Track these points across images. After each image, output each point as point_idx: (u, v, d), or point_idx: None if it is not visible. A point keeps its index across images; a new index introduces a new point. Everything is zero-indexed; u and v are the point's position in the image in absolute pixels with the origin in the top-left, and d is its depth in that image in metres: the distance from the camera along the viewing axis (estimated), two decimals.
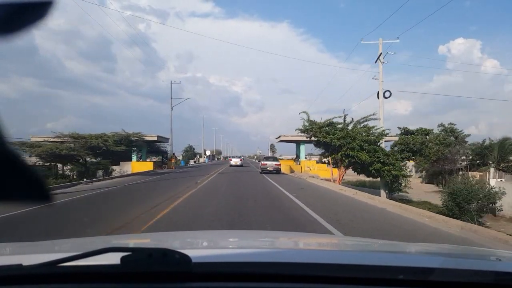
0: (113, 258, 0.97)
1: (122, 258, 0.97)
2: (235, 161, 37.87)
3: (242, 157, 45.99)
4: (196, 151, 79.22)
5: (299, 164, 33.16)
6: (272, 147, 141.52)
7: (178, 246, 1.70)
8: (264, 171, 24.50)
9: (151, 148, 36.04)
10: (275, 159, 27.66)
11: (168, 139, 34.36)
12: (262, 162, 25.90)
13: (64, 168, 19.53)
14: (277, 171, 24.93)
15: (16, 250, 1.66)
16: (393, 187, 15.51)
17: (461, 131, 31.60)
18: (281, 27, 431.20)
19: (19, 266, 1.03)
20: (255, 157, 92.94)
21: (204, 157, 74.61)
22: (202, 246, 1.83)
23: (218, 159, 78.45)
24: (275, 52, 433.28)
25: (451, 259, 1.47)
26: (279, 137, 33.57)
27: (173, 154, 35.03)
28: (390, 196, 14.76)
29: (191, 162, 51.67)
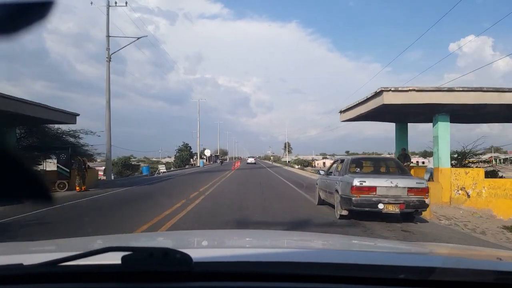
0: (114, 258, 1.02)
1: (123, 258, 1.02)
2: (250, 160, 62.09)
3: (255, 157, 72.09)
4: (195, 151, 67.34)
5: (431, 178, 12.40)
6: (286, 146, 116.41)
7: (179, 246, 1.73)
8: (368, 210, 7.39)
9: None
10: (401, 168, 8.56)
11: (75, 116, 5.15)
12: (356, 183, 7.36)
13: None
14: (417, 210, 7.41)
15: (16, 249, 1.76)
16: None
17: None
18: (290, 27, 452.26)
19: (20, 266, 1.08)
20: (271, 158, 72.03)
21: (202, 158, 50.00)
22: (203, 246, 1.94)
23: (221, 161, 55.82)
24: (283, 52, 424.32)
25: (452, 258, 1.59)
26: (379, 93, 11.15)
27: (78, 158, 16.75)
28: None
29: (161, 168, 25.74)
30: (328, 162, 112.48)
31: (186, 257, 1.02)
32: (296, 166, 55.21)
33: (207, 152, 67.20)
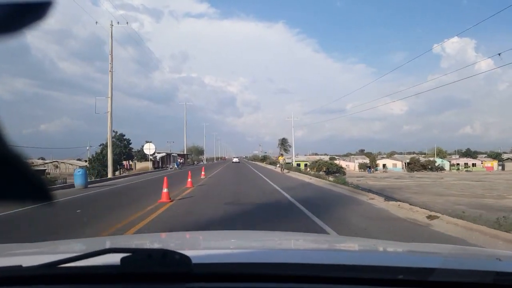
0: (113, 259, 1.05)
1: (122, 259, 1.04)
2: (235, 160, 77.40)
3: (238, 157, 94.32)
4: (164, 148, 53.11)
5: None
6: (283, 142, 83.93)
7: (178, 247, 1.83)
8: None
9: None
10: None
11: None
12: None
13: None
14: None
15: (16, 251, 1.77)
16: None
17: None
18: (277, 27, 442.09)
19: (19, 267, 1.09)
20: (279, 161, 34.42)
21: (145, 160, 14.43)
22: (202, 247, 1.98)
23: (179, 163, 21.88)
24: (270, 52, 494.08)
25: (451, 259, 1.57)
26: None
27: None
28: None
29: None
30: (344, 164, 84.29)
31: (185, 258, 1.04)
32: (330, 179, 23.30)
33: (149, 149, 36.65)
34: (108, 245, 1.76)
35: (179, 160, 47.11)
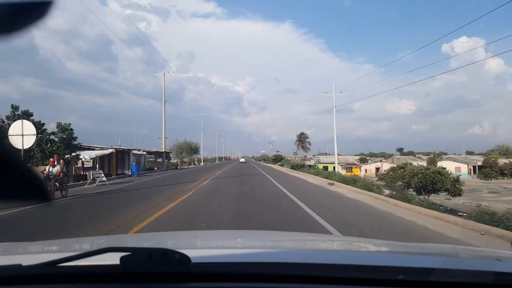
0: (113, 258, 1.06)
1: (122, 258, 1.05)
2: (242, 160, 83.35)
3: (245, 157, 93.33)
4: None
5: None
6: (302, 139, 72.41)
7: (177, 246, 1.78)
8: None
9: None
10: None
11: None
12: None
13: None
14: None
15: (15, 250, 1.80)
16: None
17: None
18: (284, 27, 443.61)
19: (19, 266, 1.10)
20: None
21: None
22: (202, 246, 2.00)
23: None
24: (277, 52, 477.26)
25: (451, 259, 1.59)
26: None
27: None
28: None
29: None
30: (386, 166, 62.78)
31: (185, 257, 1.05)
32: None
33: (22, 136, 16.98)
34: (107, 244, 1.69)
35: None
